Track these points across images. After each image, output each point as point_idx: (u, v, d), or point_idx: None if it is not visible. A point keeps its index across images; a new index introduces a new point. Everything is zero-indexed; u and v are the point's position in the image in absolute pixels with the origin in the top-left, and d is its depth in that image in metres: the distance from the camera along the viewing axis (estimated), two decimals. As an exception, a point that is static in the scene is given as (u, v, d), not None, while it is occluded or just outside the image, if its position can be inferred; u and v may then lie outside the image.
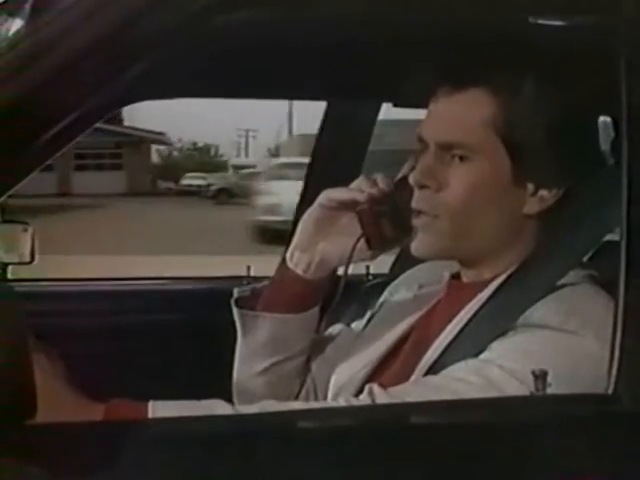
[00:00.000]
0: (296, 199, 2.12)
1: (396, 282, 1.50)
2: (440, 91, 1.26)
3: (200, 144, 55.72)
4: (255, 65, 1.49)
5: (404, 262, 1.63)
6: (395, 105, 1.87)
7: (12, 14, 1.05)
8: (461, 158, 1.23)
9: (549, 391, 1.04)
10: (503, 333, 1.16)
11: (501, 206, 1.24)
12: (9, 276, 2.16)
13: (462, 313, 1.24)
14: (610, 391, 1.07)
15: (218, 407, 1.09)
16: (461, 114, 1.24)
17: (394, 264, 2.01)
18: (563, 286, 1.20)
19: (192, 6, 1.03)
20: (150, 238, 13.95)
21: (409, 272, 1.49)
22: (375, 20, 1.22)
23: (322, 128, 2.21)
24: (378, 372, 1.31)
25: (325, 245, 1.36)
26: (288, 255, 1.39)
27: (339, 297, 1.37)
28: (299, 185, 2.19)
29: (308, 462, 0.99)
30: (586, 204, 1.25)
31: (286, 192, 11.01)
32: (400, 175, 1.33)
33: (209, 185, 33.71)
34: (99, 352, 1.94)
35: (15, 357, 0.89)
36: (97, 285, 2.42)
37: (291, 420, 1.08)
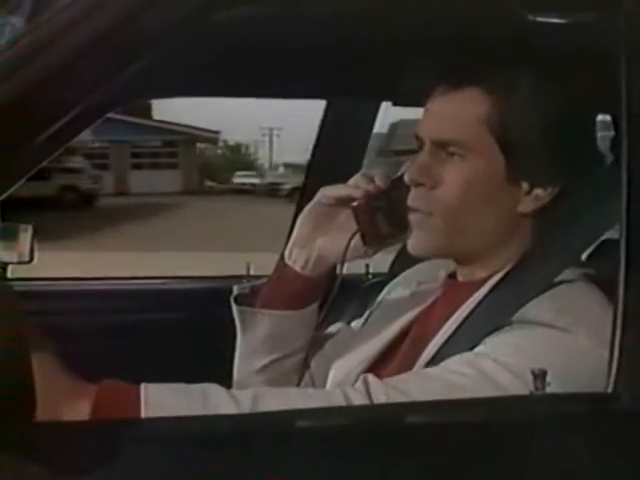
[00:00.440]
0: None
1: (395, 281, 1.51)
2: (436, 90, 1.27)
3: (231, 142, 55.22)
4: (254, 63, 1.49)
5: (403, 261, 1.63)
6: (394, 104, 1.87)
7: (12, 11, 1.05)
8: (456, 156, 1.24)
9: (548, 390, 1.04)
10: (498, 329, 1.17)
11: (496, 204, 1.25)
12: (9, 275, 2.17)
13: (459, 311, 1.25)
14: (610, 390, 1.07)
15: (211, 391, 1.09)
16: (456, 112, 1.25)
17: (393, 263, 2.01)
18: (558, 284, 1.20)
19: (192, 3, 1.03)
20: (238, 235, 14.02)
21: (408, 271, 1.50)
22: (373, 18, 1.22)
23: (321, 127, 2.21)
24: (375, 368, 1.31)
25: (323, 242, 1.37)
26: (286, 252, 1.39)
27: (335, 294, 1.37)
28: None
29: (304, 460, 0.99)
30: (582, 202, 1.25)
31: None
32: (399, 173, 1.33)
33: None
34: (98, 351, 1.94)
35: (14, 355, 0.89)
36: (97, 284, 2.42)
37: (287, 418, 1.07)
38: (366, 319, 1.49)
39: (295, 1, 1.14)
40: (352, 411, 1.12)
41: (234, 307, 1.41)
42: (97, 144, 30.03)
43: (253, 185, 35.23)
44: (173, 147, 33.06)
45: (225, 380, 1.42)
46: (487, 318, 1.21)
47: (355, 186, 1.34)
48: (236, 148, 54.35)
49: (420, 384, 1.14)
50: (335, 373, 1.37)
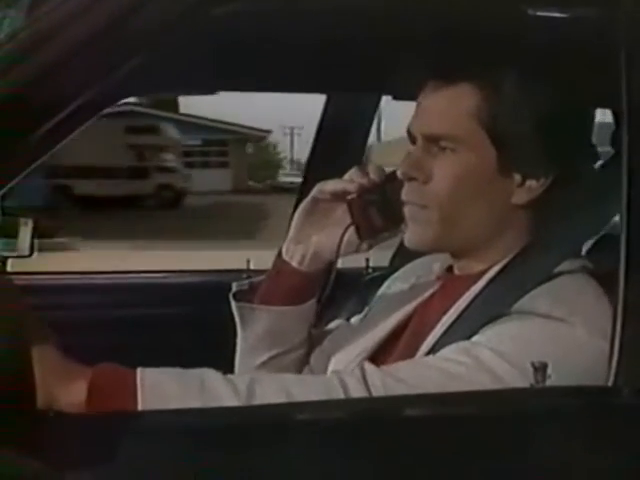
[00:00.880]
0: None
1: (394, 276, 1.51)
2: (427, 86, 1.28)
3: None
4: (253, 58, 1.49)
5: (404, 255, 1.63)
6: (395, 98, 1.87)
7: (10, 6, 1.05)
8: (447, 150, 1.25)
9: (548, 383, 1.05)
10: (494, 320, 1.18)
11: (489, 196, 1.26)
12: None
13: (457, 304, 1.25)
14: (610, 383, 1.07)
15: (207, 375, 1.09)
16: (446, 107, 1.26)
17: (393, 257, 2.01)
18: (556, 275, 1.21)
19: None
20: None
21: (407, 266, 1.50)
22: (371, 12, 1.22)
23: (321, 121, 2.21)
24: (374, 360, 1.31)
25: (319, 237, 1.37)
26: (284, 248, 1.40)
27: (331, 288, 1.38)
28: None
29: (302, 453, 1.00)
30: (577, 194, 1.25)
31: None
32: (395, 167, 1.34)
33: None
34: (98, 345, 1.93)
35: (14, 346, 0.89)
36: (97, 278, 2.42)
37: (285, 411, 1.07)
38: (365, 314, 1.50)
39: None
40: (351, 403, 1.12)
41: (233, 304, 1.41)
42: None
43: (292, 183, 35.33)
44: (224, 146, 33.02)
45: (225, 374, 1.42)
46: (485, 310, 1.21)
47: (350, 180, 1.35)
48: (264, 148, 54.07)
49: (416, 372, 1.15)
50: (334, 366, 1.37)
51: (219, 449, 0.98)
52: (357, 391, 1.10)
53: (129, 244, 12.56)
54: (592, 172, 1.33)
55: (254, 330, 1.40)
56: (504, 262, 1.26)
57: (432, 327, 1.25)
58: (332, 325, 1.54)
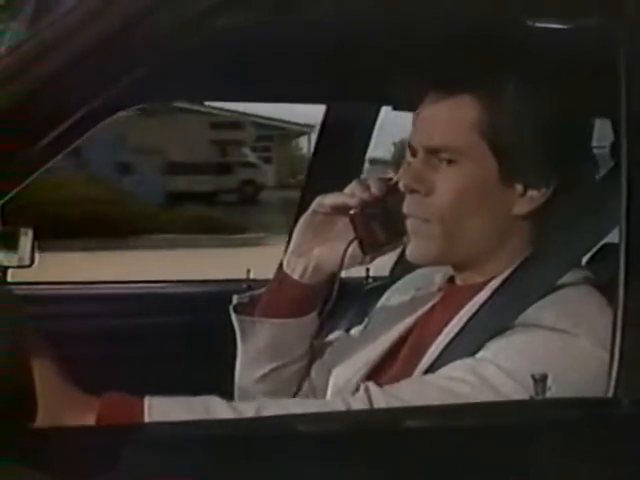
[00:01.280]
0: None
1: (394, 287, 1.50)
2: (427, 97, 1.28)
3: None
4: (255, 68, 1.49)
5: (404, 265, 1.63)
6: (394, 108, 1.87)
7: (14, 16, 1.05)
8: (449, 162, 1.24)
9: (549, 395, 1.04)
10: (499, 333, 1.17)
11: (491, 208, 1.25)
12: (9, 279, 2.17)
13: (459, 316, 1.24)
14: (610, 394, 1.07)
15: (213, 404, 1.09)
16: (447, 118, 1.25)
17: (394, 267, 2.01)
18: (559, 287, 1.21)
19: (194, 8, 1.02)
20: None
21: (407, 277, 1.49)
22: (372, 23, 1.22)
23: (321, 131, 2.21)
24: (375, 374, 1.31)
25: (320, 250, 1.37)
26: (285, 260, 1.39)
27: (333, 302, 1.38)
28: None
29: (304, 465, 0.99)
30: (580, 204, 1.25)
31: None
32: (395, 178, 1.34)
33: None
34: (97, 355, 1.94)
35: (15, 361, 0.89)
36: (96, 288, 2.42)
37: (288, 423, 1.07)
38: (366, 325, 1.49)
39: (296, 7, 1.14)
40: (351, 416, 1.12)
41: (233, 317, 1.41)
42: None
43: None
44: (268, 141, 32.90)
45: (225, 384, 1.42)
46: (488, 322, 1.21)
47: (351, 194, 1.34)
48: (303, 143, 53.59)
49: (421, 392, 1.14)
50: (335, 380, 1.37)
51: (219, 461, 0.98)
52: None
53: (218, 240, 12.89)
54: (592, 181, 1.33)
55: (255, 343, 1.39)
56: (506, 273, 1.25)
57: (433, 339, 1.24)
58: (332, 337, 1.54)
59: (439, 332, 1.25)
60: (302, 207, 1.46)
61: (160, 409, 1.06)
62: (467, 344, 1.19)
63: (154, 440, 1.00)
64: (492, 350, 1.16)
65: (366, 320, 1.51)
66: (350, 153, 2.22)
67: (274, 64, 1.47)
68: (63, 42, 0.97)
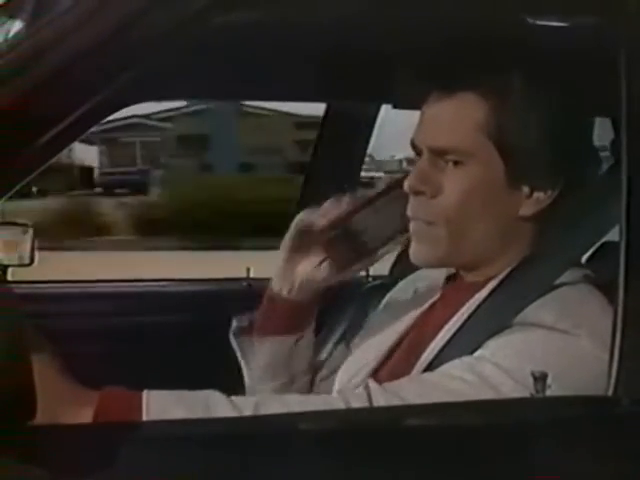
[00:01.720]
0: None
1: (395, 288, 1.50)
2: (431, 96, 1.26)
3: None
4: (254, 66, 1.49)
5: (404, 264, 1.63)
6: (395, 107, 1.87)
7: (12, 15, 1.05)
8: (455, 163, 1.23)
9: (549, 393, 1.04)
10: (498, 331, 1.17)
11: (497, 209, 1.24)
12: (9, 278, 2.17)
13: (459, 313, 1.24)
14: (610, 393, 1.07)
15: (212, 398, 1.08)
16: (453, 119, 1.24)
17: (394, 266, 2.01)
18: (559, 286, 1.20)
19: (191, 7, 1.02)
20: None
21: (408, 277, 1.49)
22: (372, 22, 1.22)
23: (321, 130, 2.21)
24: (377, 373, 1.31)
25: (303, 267, 1.37)
26: (273, 278, 1.40)
27: (323, 315, 1.39)
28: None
29: (303, 463, 0.99)
30: (582, 204, 1.25)
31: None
32: (380, 189, 1.34)
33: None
34: (98, 353, 1.94)
35: (15, 358, 0.89)
36: (96, 286, 2.42)
37: (288, 421, 1.07)
38: (366, 325, 1.49)
39: (295, 5, 1.14)
40: (350, 414, 1.12)
41: (233, 341, 1.42)
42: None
43: (372, 179, 35.25)
44: None
45: (226, 382, 1.42)
46: (487, 320, 1.20)
47: (323, 214, 1.35)
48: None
49: (421, 391, 1.13)
50: (338, 385, 1.37)
51: (219, 460, 0.98)
52: None
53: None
54: (596, 180, 1.32)
55: (256, 363, 1.41)
56: (506, 272, 1.25)
57: (433, 337, 1.24)
58: (330, 345, 1.53)
59: (438, 330, 1.25)
60: (301, 208, 1.46)
61: (158, 403, 1.06)
62: (466, 342, 1.19)
63: (154, 438, 1.00)
64: (491, 349, 1.16)
65: (366, 320, 1.50)
66: (350, 152, 2.21)
67: (273, 63, 1.47)
68: (60, 41, 0.97)
